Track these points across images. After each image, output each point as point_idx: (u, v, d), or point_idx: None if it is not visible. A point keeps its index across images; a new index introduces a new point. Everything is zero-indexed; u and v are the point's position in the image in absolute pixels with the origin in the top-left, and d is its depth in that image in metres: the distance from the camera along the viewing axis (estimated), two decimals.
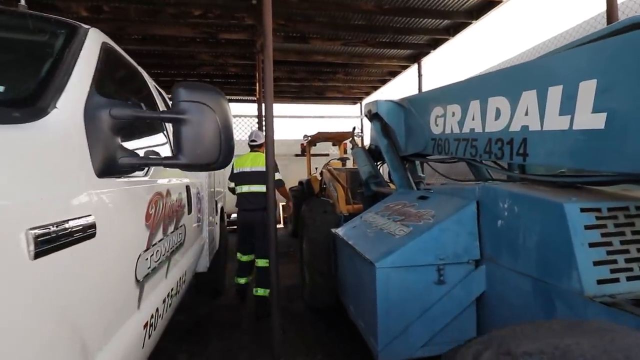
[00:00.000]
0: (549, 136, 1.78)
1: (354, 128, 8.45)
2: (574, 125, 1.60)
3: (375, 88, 10.24)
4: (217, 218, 4.27)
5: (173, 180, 1.97)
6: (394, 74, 8.96)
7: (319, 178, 7.88)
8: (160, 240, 1.57)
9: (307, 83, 9.64)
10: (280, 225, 10.62)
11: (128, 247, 1.24)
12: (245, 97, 11.52)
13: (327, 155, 10.19)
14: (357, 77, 9.16)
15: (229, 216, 10.74)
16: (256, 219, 3.98)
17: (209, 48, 6.99)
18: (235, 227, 10.41)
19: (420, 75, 7.63)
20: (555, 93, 1.76)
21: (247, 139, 4.39)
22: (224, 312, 4.03)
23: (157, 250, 1.50)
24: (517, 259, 1.72)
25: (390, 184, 3.92)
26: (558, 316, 1.49)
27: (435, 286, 1.92)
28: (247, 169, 4.04)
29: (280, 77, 9.22)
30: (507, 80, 2.07)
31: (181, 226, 2.01)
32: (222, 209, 4.84)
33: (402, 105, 3.57)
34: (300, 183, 8.50)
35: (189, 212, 2.28)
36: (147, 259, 1.36)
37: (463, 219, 1.98)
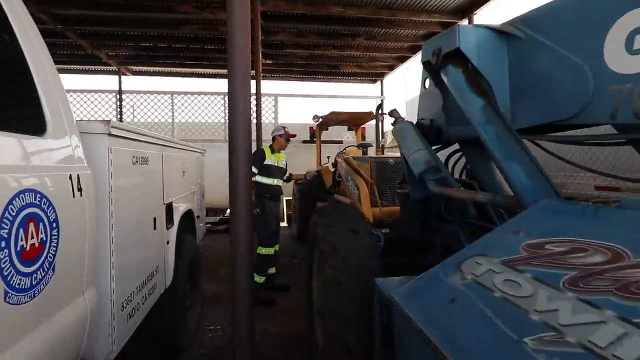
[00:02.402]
0: None
1: (380, 106, 6.71)
2: None
3: (403, 60, 8.36)
4: (172, 234, 2.57)
5: None
6: (429, 37, 7.01)
7: (332, 169, 6.31)
8: None
9: (319, 51, 7.78)
10: (284, 224, 8.95)
11: None
12: None
13: (340, 142, 8.55)
14: (383, 42, 7.26)
15: (223, 212, 9.10)
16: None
17: None
18: (225, 225, 8.55)
19: None
20: None
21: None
22: None
23: None
24: None
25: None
26: None
27: None
28: (275, 164, 4.29)
29: (285, 43, 7.40)
30: None
31: None
32: (188, 212, 3.14)
33: (509, 35, 1.87)
34: None
35: None
36: None
37: None
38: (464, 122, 2.27)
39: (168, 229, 2.48)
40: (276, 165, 4.28)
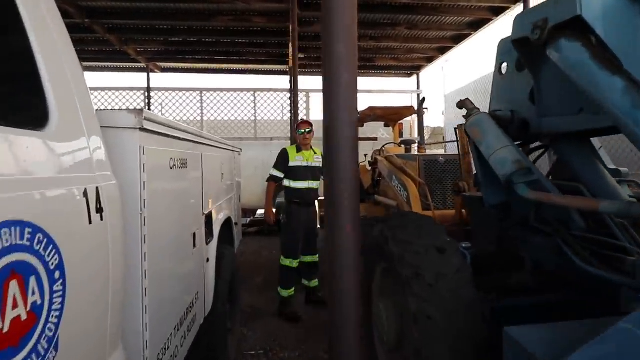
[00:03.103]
0: None
1: (423, 98, 6.19)
2: None
3: (443, 50, 7.75)
4: (211, 249, 2.18)
5: None
6: (476, 25, 6.37)
7: (369, 168, 5.81)
8: None
9: None
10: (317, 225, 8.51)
11: None
12: (275, 67, 9.37)
13: (375, 139, 7.98)
14: (424, 31, 6.69)
15: (253, 213, 8.77)
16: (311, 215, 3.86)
17: None
18: (256, 227, 8.13)
19: None
20: None
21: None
22: None
23: None
24: None
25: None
26: None
27: None
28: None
29: (319, 34, 6.96)
30: None
31: None
32: (227, 220, 2.74)
33: None
34: None
35: None
36: None
37: None
38: (567, 112, 1.80)
39: (207, 243, 2.09)
40: (304, 165, 3.69)
